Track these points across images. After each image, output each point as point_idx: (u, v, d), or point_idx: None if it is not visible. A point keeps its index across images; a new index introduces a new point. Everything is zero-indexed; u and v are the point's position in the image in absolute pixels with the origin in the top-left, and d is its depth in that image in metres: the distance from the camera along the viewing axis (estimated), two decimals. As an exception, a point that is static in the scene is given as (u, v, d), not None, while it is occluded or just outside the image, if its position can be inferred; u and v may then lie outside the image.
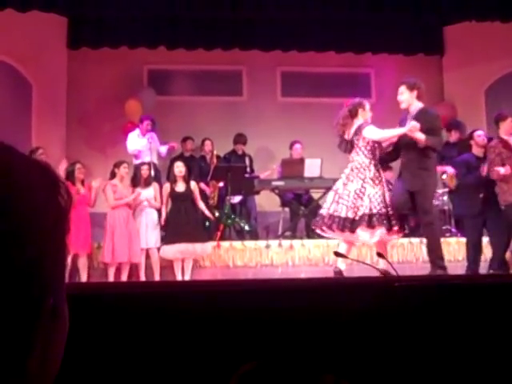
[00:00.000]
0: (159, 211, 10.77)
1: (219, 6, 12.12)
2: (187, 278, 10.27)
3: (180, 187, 10.70)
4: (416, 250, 10.67)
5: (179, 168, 10.83)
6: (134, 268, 10.56)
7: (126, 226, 10.45)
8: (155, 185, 10.96)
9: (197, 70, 14.14)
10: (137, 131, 12.39)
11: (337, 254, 6.05)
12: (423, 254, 10.01)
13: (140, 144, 12.22)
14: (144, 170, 11.03)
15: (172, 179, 10.82)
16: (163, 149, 12.66)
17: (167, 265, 10.62)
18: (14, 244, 0.76)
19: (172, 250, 10.35)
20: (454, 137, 12.35)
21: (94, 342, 2.79)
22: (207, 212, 10.92)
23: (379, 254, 5.84)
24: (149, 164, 11.37)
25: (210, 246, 10.61)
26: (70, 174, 10.50)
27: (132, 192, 10.71)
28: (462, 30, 13.83)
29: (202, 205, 10.82)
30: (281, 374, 1.11)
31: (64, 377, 0.96)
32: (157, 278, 10.43)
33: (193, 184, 10.85)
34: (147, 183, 10.91)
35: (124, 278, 10.36)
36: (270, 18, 13.00)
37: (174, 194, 10.64)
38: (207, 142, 12.80)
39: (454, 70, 14.27)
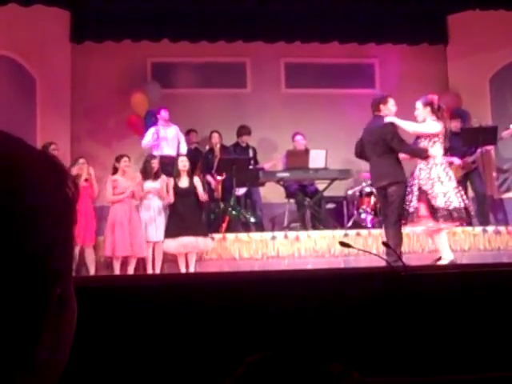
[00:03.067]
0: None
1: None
2: (191, 271, 10.30)
3: (183, 182, 10.73)
4: (422, 240, 10.65)
5: (183, 162, 10.86)
6: (140, 261, 10.58)
7: (128, 219, 10.47)
8: (163, 178, 10.95)
9: (200, 63, 14.12)
10: (153, 129, 12.35)
11: (342, 244, 6.04)
12: (429, 243, 10.01)
13: (153, 138, 12.19)
14: (154, 164, 11.03)
15: (176, 174, 10.83)
16: (182, 139, 12.56)
17: (171, 258, 10.65)
18: (23, 234, 0.76)
19: (174, 244, 10.38)
20: (456, 126, 12.32)
21: (101, 334, 2.80)
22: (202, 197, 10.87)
23: (385, 244, 5.85)
24: (158, 157, 11.37)
25: (211, 240, 10.65)
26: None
27: (138, 184, 10.71)
28: (465, 18, 13.79)
29: (204, 198, 10.82)
30: (288, 364, 1.11)
31: (73, 368, 0.97)
32: (157, 271, 10.46)
33: (196, 179, 10.88)
34: (156, 176, 10.92)
35: (130, 271, 10.38)
36: (274, 9, 12.97)
37: (177, 189, 10.67)
38: (214, 135, 12.77)
39: (458, 59, 14.23)
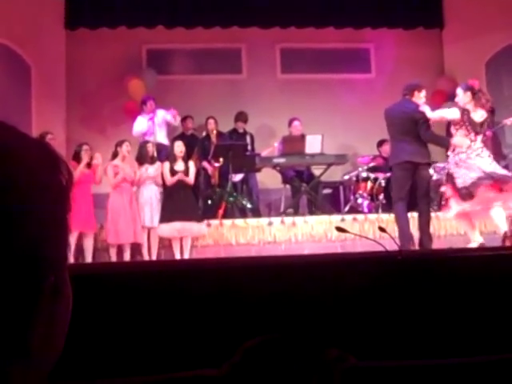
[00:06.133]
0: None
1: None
2: (186, 256, 10.34)
3: (179, 167, 10.76)
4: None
5: (180, 148, 10.89)
6: (135, 247, 10.60)
7: (129, 206, 10.49)
8: (158, 163, 10.97)
9: (196, 49, 14.10)
10: (142, 116, 12.40)
11: (339, 229, 6.04)
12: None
13: (146, 125, 12.25)
14: (149, 148, 11.06)
15: (171, 158, 10.85)
16: (169, 117, 12.56)
17: (166, 244, 10.68)
18: (16, 222, 0.76)
19: (168, 228, 10.43)
20: None
21: (97, 322, 2.80)
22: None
23: (381, 229, 5.85)
24: (153, 142, 11.41)
25: (205, 226, 10.68)
26: (76, 155, 10.60)
27: (136, 170, 10.74)
28: (461, 2, 13.78)
29: (190, 181, 10.84)
30: (285, 349, 1.11)
31: (68, 356, 0.97)
32: (154, 256, 10.49)
33: (191, 163, 10.91)
34: (153, 161, 10.94)
35: (126, 257, 10.39)
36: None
37: (172, 173, 10.68)
38: (210, 121, 12.77)
39: (454, 43, 14.21)
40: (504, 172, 8.86)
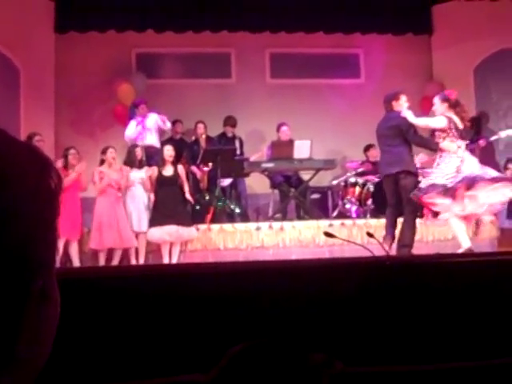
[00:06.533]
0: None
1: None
2: (174, 261, 10.32)
3: (168, 171, 10.75)
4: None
5: (169, 152, 10.88)
6: (124, 253, 10.58)
7: (114, 211, 10.46)
8: (146, 168, 10.97)
9: (185, 53, 14.09)
10: (135, 119, 12.42)
11: (327, 234, 6.05)
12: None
13: (140, 129, 12.26)
14: (138, 152, 11.07)
15: (161, 162, 10.85)
16: (159, 121, 12.56)
17: (155, 249, 10.66)
18: (5, 223, 0.76)
19: (158, 233, 10.41)
20: None
21: (85, 327, 2.80)
22: (188, 196, 10.90)
23: (369, 234, 5.86)
24: (141, 147, 11.42)
25: (195, 230, 10.67)
26: (64, 159, 10.57)
27: (123, 174, 10.71)
28: (450, 8, 13.81)
29: (186, 188, 10.85)
30: (271, 354, 1.11)
31: (56, 361, 0.96)
32: (141, 261, 10.46)
33: (180, 168, 10.91)
34: (141, 165, 10.95)
35: (115, 263, 10.36)
36: (258, 0, 12.95)
37: (161, 178, 10.67)
38: (200, 125, 12.79)
39: (442, 49, 14.26)
40: (497, 173, 8.99)
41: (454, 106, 9.02)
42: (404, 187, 9.16)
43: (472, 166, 8.80)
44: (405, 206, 9.18)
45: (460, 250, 8.67)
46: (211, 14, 13.29)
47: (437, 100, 9.12)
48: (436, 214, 8.99)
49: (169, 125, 12.64)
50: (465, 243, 8.81)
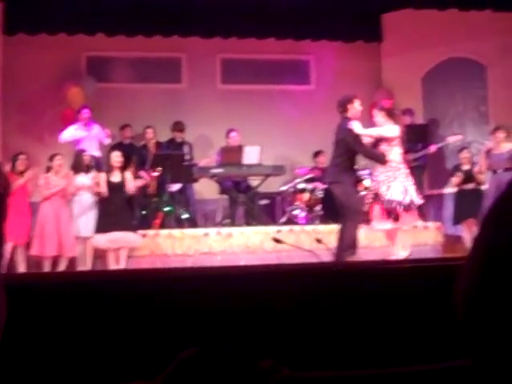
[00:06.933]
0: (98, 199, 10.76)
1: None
2: (122, 267, 10.27)
3: (116, 177, 10.71)
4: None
5: (117, 158, 10.85)
6: (70, 259, 10.50)
7: (58, 218, 10.40)
8: (93, 173, 10.91)
9: (136, 57, 14.03)
10: (76, 126, 12.34)
11: (275, 240, 6.09)
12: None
13: (80, 134, 12.18)
14: (85, 157, 11.01)
15: (108, 168, 10.81)
16: (101, 135, 12.51)
17: (102, 255, 10.59)
18: None
19: (103, 239, 10.36)
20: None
21: (30, 333, 2.77)
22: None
23: (318, 240, 5.91)
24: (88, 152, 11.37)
25: (140, 236, 10.63)
26: (12, 164, 10.48)
27: (70, 180, 10.64)
28: (399, 17, 13.95)
29: (130, 192, 10.79)
30: (218, 360, 1.11)
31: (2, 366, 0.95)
32: (88, 267, 10.40)
33: (128, 174, 10.86)
34: (88, 170, 10.89)
35: (61, 268, 10.28)
36: (210, 4, 12.93)
37: (109, 184, 10.62)
38: (148, 130, 12.76)
39: (391, 57, 14.41)
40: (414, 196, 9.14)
41: (391, 114, 9.19)
42: (335, 197, 9.31)
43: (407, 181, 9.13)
44: (344, 214, 9.23)
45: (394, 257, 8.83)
46: (163, 18, 13.23)
47: (376, 112, 9.34)
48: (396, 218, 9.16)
49: (107, 142, 12.55)
50: (403, 252, 8.95)
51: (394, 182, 8.93)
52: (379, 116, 9.18)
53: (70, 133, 12.23)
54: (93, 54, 13.93)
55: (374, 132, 9.25)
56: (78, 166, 10.86)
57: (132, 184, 10.83)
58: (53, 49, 13.35)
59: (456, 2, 12.30)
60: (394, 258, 8.84)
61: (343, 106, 9.33)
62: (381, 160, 9.09)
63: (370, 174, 9.37)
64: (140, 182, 11.27)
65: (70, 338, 2.85)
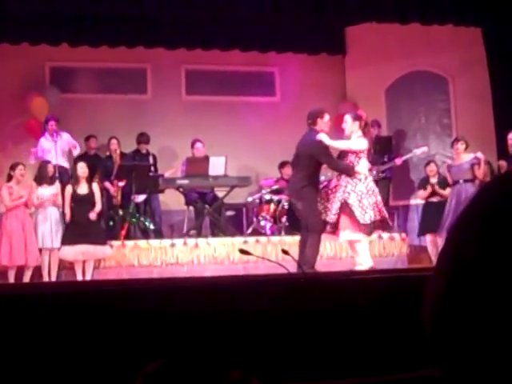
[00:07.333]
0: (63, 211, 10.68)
1: (124, 4, 11.97)
2: (88, 278, 10.21)
3: (82, 188, 10.65)
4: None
5: (83, 169, 10.79)
6: (36, 270, 10.42)
7: (22, 227, 10.32)
8: (58, 184, 10.83)
9: (101, 68, 13.97)
10: (45, 136, 12.22)
11: (242, 251, 6.08)
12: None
13: (47, 145, 12.05)
14: (49, 168, 10.93)
15: (74, 180, 10.75)
16: (71, 143, 12.40)
17: (68, 266, 10.53)
18: None
19: (72, 252, 10.30)
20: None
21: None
22: (93, 214, 10.72)
23: (284, 251, 5.91)
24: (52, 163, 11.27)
25: (109, 248, 10.59)
26: None
27: (33, 191, 10.55)
28: (362, 30, 14.04)
29: (98, 207, 10.75)
30: (186, 371, 1.11)
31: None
32: (53, 278, 10.32)
33: (95, 185, 10.81)
34: (52, 181, 10.81)
35: (26, 280, 10.20)
36: (175, 16, 12.92)
37: (75, 196, 10.56)
38: (113, 141, 12.68)
39: (355, 70, 14.50)
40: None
41: (364, 126, 9.26)
42: (299, 212, 9.47)
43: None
44: (307, 228, 9.27)
45: (359, 268, 8.90)
46: (127, 29, 13.20)
47: (348, 118, 9.32)
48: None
49: (76, 153, 12.45)
50: (367, 262, 9.01)
51: (361, 196, 8.98)
52: (353, 125, 9.17)
53: (41, 149, 12.08)
54: (56, 64, 13.84)
55: (343, 145, 9.27)
56: (42, 178, 10.77)
57: (99, 195, 10.79)
58: (16, 58, 13.22)
59: (418, 17, 12.40)
60: (359, 268, 8.88)
61: (313, 118, 9.33)
62: (349, 172, 9.11)
63: (336, 186, 9.31)
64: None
65: (33, 349, 2.83)
